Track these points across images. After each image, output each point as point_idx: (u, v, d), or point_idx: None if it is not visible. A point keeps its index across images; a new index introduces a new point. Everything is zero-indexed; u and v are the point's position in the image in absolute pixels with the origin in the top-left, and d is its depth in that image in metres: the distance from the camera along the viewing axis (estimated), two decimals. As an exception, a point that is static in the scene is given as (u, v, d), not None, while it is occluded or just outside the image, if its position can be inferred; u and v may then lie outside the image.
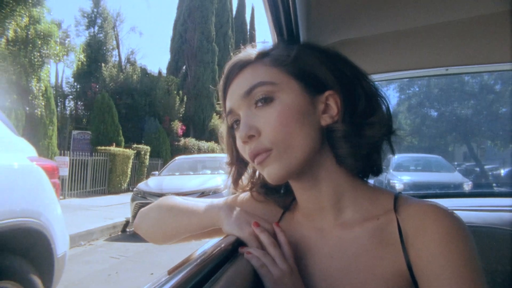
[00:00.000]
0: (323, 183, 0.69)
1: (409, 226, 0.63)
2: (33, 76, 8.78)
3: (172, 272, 0.52)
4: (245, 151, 0.68)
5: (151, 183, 7.72)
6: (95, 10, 17.58)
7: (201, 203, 0.80)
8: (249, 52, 0.73)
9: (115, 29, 18.37)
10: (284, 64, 0.67)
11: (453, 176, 8.44)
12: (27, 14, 8.57)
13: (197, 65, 21.57)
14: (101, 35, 17.85)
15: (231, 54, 0.72)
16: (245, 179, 0.82)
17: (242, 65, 0.69)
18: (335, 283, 0.65)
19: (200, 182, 7.20)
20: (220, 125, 0.82)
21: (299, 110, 0.65)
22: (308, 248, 0.70)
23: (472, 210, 1.33)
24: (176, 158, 9.68)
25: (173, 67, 23.45)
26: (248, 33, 27.90)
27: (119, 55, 19.38)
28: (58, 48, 9.42)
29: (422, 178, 8.15)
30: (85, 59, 10.89)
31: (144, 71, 18.72)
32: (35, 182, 2.28)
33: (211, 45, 21.71)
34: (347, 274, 0.65)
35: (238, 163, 0.78)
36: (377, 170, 0.71)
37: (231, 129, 0.76)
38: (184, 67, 22.53)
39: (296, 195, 0.75)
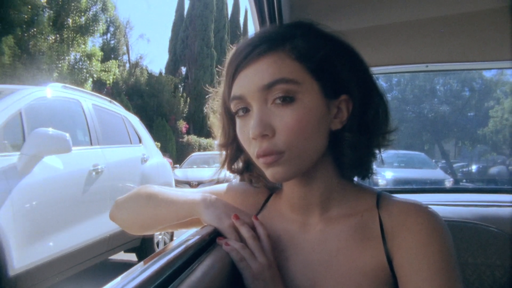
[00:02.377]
0: (316, 182, 0.66)
1: (391, 223, 0.63)
2: (79, 90, 11.14)
3: (148, 262, 0.50)
4: (250, 146, 0.63)
5: (178, 173, 9.87)
6: (108, 19, 19.68)
7: (181, 192, 0.75)
8: (271, 35, 0.63)
9: (126, 36, 20.32)
10: (310, 61, 0.60)
11: (435, 173, 8.39)
12: (84, 43, 10.89)
13: (198, 68, 22.43)
14: (113, 41, 19.31)
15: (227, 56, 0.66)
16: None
17: (264, 50, 0.60)
18: (317, 276, 0.64)
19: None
20: (212, 103, 0.75)
21: (318, 115, 0.60)
22: (289, 241, 0.68)
23: (446, 205, 1.37)
24: (192, 154, 11.86)
25: (172, 67, 24.14)
26: (242, 36, 29.85)
27: (128, 59, 20.82)
28: (99, 65, 11.75)
29: (405, 174, 7.95)
30: (119, 74, 13.11)
31: (151, 75, 20.16)
32: (168, 169, 4.57)
33: (210, 50, 22.92)
34: (329, 267, 0.64)
35: (234, 147, 0.72)
36: (366, 175, 0.69)
37: (229, 113, 0.68)
38: (183, 69, 24.36)
39: (284, 189, 0.72)
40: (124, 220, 0.82)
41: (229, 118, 0.69)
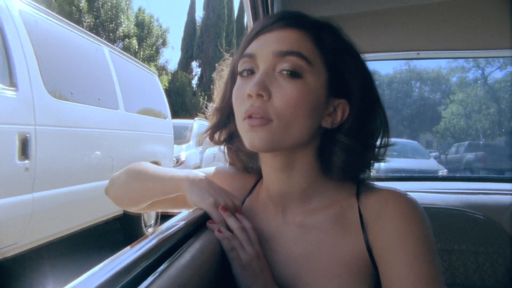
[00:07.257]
0: (296, 170, 0.65)
1: (369, 211, 0.62)
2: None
3: (137, 244, 0.49)
4: (241, 105, 0.61)
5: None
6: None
7: (170, 170, 0.75)
8: (302, 16, 0.65)
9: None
10: (328, 53, 0.62)
11: (429, 163, 8.22)
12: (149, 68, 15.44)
13: (212, 70, 27.23)
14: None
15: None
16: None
17: (292, 24, 0.62)
18: (298, 269, 0.63)
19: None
20: (221, 72, 0.76)
21: (315, 101, 0.60)
22: (272, 232, 0.68)
23: (434, 192, 1.38)
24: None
25: (184, 63, 28.14)
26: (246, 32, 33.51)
27: (157, 64, 25.40)
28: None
29: (397, 164, 7.19)
30: (167, 84, 17.50)
31: (174, 75, 24.31)
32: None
33: (222, 55, 28.25)
34: (310, 259, 0.63)
35: (225, 113, 0.71)
36: (354, 178, 0.68)
37: (234, 76, 0.68)
38: (194, 65, 28.90)
39: (264, 174, 0.70)
40: (116, 194, 0.83)
41: (233, 82, 0.68)
